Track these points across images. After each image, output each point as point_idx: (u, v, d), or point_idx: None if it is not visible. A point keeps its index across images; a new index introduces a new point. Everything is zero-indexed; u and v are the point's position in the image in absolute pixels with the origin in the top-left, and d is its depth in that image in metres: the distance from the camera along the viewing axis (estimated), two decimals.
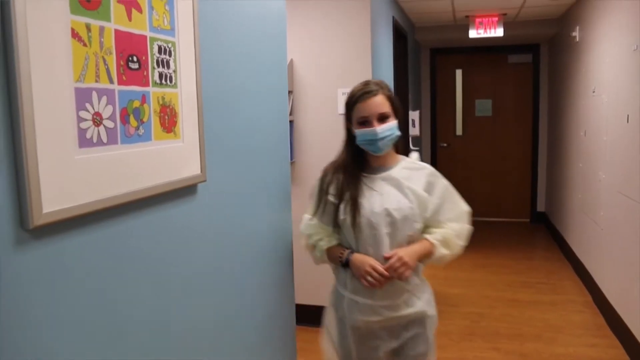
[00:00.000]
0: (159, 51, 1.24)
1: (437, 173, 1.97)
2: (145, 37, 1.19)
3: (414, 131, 5.33)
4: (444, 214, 1.94)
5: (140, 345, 1.21)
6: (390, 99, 1.89)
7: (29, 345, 0.91)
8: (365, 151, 1.93)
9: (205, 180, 1.44)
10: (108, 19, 1.07)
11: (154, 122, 1.22)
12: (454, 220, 1.95)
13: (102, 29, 1.05)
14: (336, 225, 1.94)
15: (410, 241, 1.89)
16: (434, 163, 7.40)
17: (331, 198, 1.94)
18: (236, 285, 1.69)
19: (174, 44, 1.29)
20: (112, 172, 1.08)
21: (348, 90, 3.75)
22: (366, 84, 1.91)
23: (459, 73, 7.46)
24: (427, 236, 1.92)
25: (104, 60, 1.06)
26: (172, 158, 1.29)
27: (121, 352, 1.14)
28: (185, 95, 1.34)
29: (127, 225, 1.16)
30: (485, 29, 5.80)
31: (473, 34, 5.84)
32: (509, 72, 7.30)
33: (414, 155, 2.09)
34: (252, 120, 1.79)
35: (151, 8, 1.21)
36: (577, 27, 5.10)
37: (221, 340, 1.59)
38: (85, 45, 1.01)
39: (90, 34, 1.02)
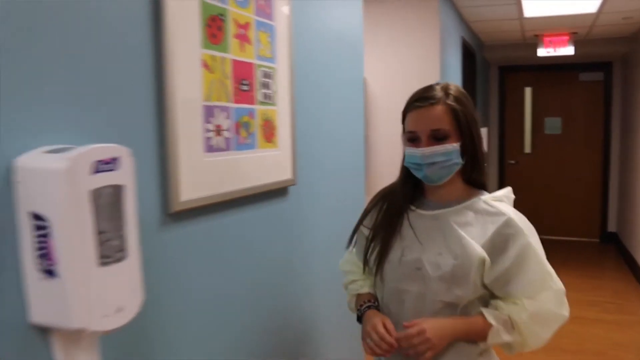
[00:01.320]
0: (263, 75, 1.51)
1: (519, 225, 1.32)
2: (253, 64, 1.46)
3: None
4: (518, 285, 1.32)
5: (235, 319, 1.47)
6: (455, 112, 1.33)
7: (168, 301, 1.18)
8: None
9: (295, 184, 1.70)
10: (227, 51, 1.35)
11: (259, 133, 1.49)
12: (532, 296, 1.32)
13: (223, 59, 1.33)
14: (367, 263, 1.48)
15: (452, 312, 1.34)
16: (501, 180, 7.41)
17: (364, 230, 1.51)
18: (313, 279, 1.92)
19: (274, 69, 1.56)
20: (228, 172, 1.36)
21: None
22: (427, 88, 1.39)
23: (528, 91, 7.47)
24: (486, 312, 1.33)
25: (224, 83, 1.33)
26: (271, 163, 1.56)
27: (224, 316, 1.41)
28: (282, 112, 1.61)
29: (235, 217, 1.43)
30: (555, 47, 5.83)
31: (542, 52, 5.88)
32: (580, 90, 7.24)
33: (502, 192, 1.42)
34: (334, 133, 2.04)
35: (258, 41, 1.48)
36: None
37: (299, 331, 1.83)
38: (211, 72, 1.29)
39: (214, 63, 1.30)
